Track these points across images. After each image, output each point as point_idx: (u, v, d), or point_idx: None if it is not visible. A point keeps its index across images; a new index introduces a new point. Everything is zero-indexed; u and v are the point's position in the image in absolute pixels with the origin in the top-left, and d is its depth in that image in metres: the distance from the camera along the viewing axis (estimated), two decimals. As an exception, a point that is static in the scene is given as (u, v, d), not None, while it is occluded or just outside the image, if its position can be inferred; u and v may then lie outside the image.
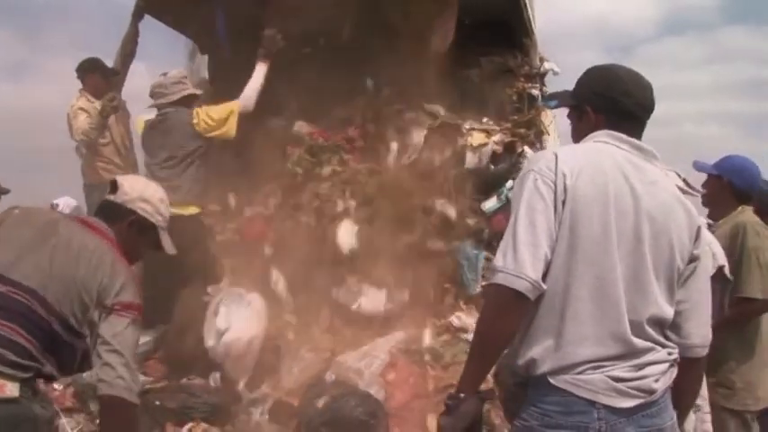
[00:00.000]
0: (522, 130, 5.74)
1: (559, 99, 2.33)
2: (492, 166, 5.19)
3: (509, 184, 5.02)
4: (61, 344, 2.36)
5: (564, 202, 1.92)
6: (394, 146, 5.55)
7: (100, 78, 5.96)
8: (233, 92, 5.18)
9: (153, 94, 4.92)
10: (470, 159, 5.20)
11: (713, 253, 2.91)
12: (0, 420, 2.19)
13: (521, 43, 6.02)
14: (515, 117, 5.82)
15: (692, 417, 2.89)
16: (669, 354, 2.00)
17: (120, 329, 2.37)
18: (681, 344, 2.03)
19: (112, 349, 2.34)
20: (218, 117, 4.81)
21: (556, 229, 1.91)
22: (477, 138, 5.19)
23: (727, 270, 3.07)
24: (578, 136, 2.19)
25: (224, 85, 6.08)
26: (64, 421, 3.53)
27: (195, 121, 4.76)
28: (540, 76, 6.14)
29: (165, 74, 4.99)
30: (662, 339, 1.99)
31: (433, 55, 5.57)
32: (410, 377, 4.27)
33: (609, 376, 1.89)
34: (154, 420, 3.98)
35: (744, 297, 3.55)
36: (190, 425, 4.00)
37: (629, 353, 1.92)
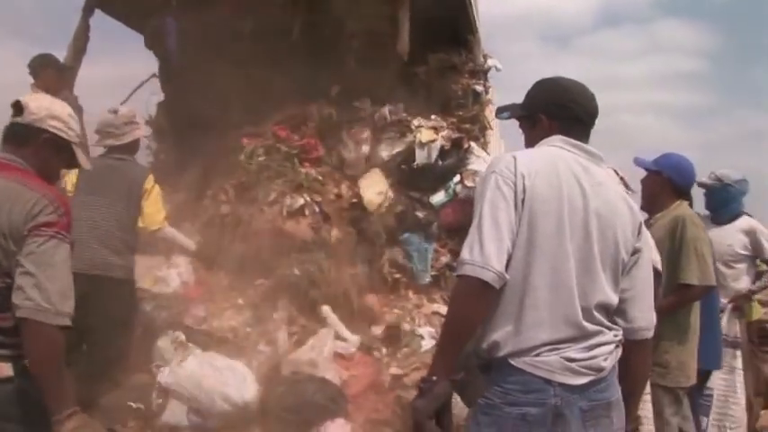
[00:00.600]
0: (467, 126, 6.00)
1: (511, 111, 2.52)
2: (440, 162, 5.39)
3: (456, 178, 5.27)
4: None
5: (523, 201, 2.12)
6: (347, 148, 5.73)
7: (53, 74, 5.88)
8: (182, 98, 5.29)
9: (101, 133, 4.57)
10: (420, 155, 5.41)
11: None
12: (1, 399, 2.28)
13: (465, 40, 6.27)
14: (460, 113, 6.08)
15: None
16: (615, 336, 2.23)
17: (33, 248, 2.29)
18: (628, 328, 2.27)
19: (24, 271, 2.27)
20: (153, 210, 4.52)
21: (516, 226, 2.10)
22: (425, 134, 5.40)
23: (658, 263, 3.29)
24: (533, 142, 2.38)
25: (172, 90, 6.27)
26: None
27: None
28: (483, 73, 6.41)
29: (114, 111, 4.65)
30: (608, 323, 2.22)
31: (383, 54, 5.80)
32: (363, 364, 4.46)
33: (563, 357, 2.11)
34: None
35: (683, 283, 3.85)
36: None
37: (581, 335, 2.13)
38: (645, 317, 2.30)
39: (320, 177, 5.55)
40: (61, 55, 5.96)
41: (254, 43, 5.92)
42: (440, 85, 6.21)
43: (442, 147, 5.37)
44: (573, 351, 2.12)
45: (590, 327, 2.15)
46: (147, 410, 4.16)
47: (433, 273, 5.22)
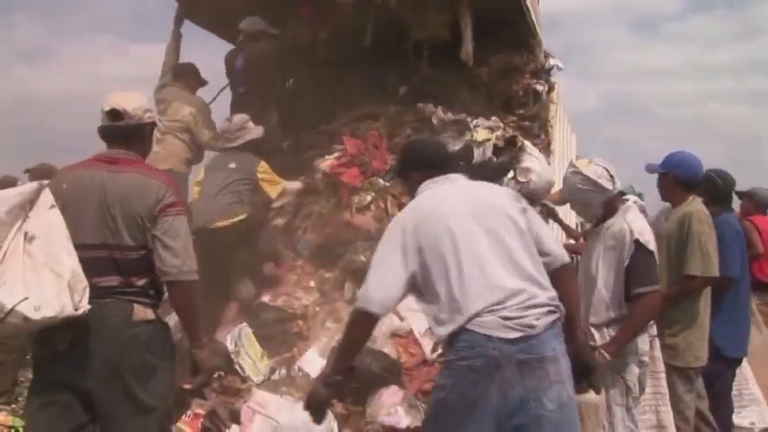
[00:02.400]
0: (527, 123, 6.40)
1: (392, 173, 3.32)
2: (494, 159, 5.79)
3: (510, 174, 5.66)
4: (150, 263, 2.98)
5: (414, 233, 2.77)
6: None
7: (193, 81, 6.67)
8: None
9: (221, 138, 5.81)
10: (476, 153, 5.81)
11: (630, 229, 3.55)
12: (148, 336, 2.97)
13: (527, 42, 6.64)
14: (521, 111, 6.47)
15: (635, 369, 3.55)
16: (549, 299, 2.72)
17: (166, 226, 2.96)
18: (550, 261, 2.89)
19: (163, 245, 2.94)
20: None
21: (414, 255, 2.75)
22: (481, 134, 5.83)
23: (644, 241, 3.56)
24: (412, 191, 3.11)
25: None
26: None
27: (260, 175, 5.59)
28: (545, 72, 6.76)
29: (229, 119, 5.84)
30: (536, 287, 2.72)
31: (447, 58, 6.30)
32: (416, 343, 4.87)
33: (499, 317, 2.61)
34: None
35: (687, 275, 4.18)
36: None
37: (509, 296, 2.64)
38: (545, 249, 2.89)
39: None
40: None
41: (329, 48, 6.49)
42: (501, 85, 6.60)
43: (496, 145, 5.78)
44: (507, 311, 2.62)
45: (516, 289, 2.66)
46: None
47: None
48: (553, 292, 2.75)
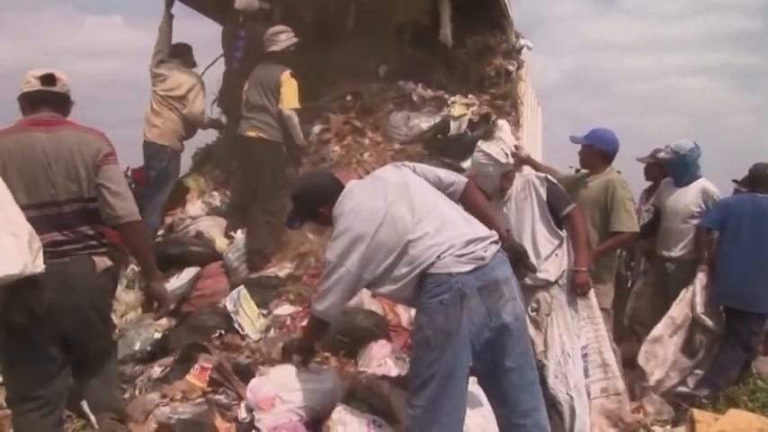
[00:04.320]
0: (499, 102, 6.83)
1: (299, 220, 3.75)
2: (469, 133, 6.31)
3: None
4: (93, 211, 3.28)
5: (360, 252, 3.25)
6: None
7: (189, 60, 7.24)
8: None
9: (267, 42, 6.28)
10: (453, 126, 6.34)
11: (534, 175, 4.49)
12: (107, 282, 3.38)
13: (499, 23, 7.06)
14: (493, 91, 6.89)
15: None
16: (487, 234, 3.28)
17: (109, 174, 3.27)
18: (456, 188, 3.50)
19: (110, 191, 3.25)
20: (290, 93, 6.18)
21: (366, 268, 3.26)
22: (458, 109, 6.31)
23: (550, 178, 4.48)
24: (328, 221, 3.52)
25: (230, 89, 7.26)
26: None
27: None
28: (516, 52, 7.17)
29: (271, 29, 6.35)
30: (470, 227, 3.26)
31: (426, 40, 6.80)
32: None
33: (454, 255, 3.13)
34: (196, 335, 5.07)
35: (614, 231, 4.81)
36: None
37: (454, 239, 3.17)
38: (453, 177, 3.54)
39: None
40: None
41: (313, 30, 6.84)
42: (476, 65, 7.05)
43: (471, 120, 6.27)
44: (459, 249, 3.15)
45: (457, 232, 3.20)
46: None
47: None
48: (485, 229, 3.31)
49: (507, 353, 3.18)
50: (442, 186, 3.49)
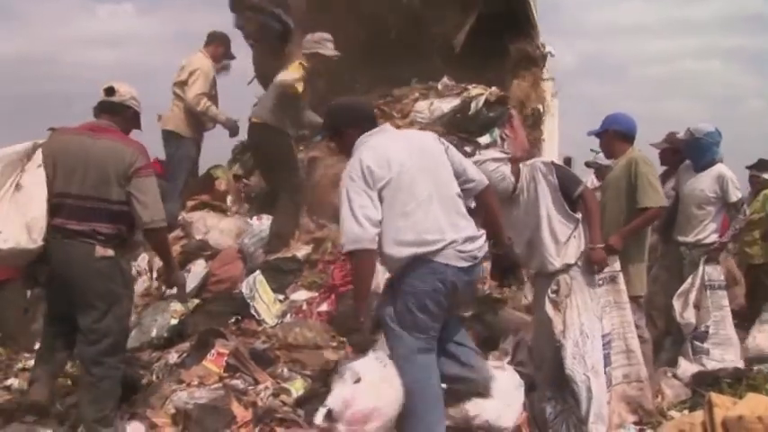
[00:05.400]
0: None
1: (323, 133, 3.99)
2: (486, 111, 6.62)
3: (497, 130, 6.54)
4: (121, 214, 3.76)
5: (374, 178, 3.35)
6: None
7: (221, 51, 7.20)
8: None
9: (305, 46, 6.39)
10: (471, 106, 6.64)
11: (541, 161, 4.55)
12: (109, 269, 3.76)
13: (528, 32, 7.40)
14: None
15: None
16: (479, 233, 3.53)
17: (139, 186, 3.73)
18: (474, 186, 3.67)
19: (138, 200, 3.73)
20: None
21: (376, 192, 3.35)
22: (475, 91, 6.51)
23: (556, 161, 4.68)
24: (347, 148, 3.61)
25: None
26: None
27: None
28: (543, 58, 7.49)
29: (312, 35, 6.36)
30: (469, 222, 3.51)
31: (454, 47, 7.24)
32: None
33: (456, 250, 3.38)
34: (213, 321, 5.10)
35: (641, 207, 4.76)
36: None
37: (459, 232, 3.42)
38: (476, 175, 3.69)
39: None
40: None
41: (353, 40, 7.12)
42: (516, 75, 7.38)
43: (488, 100, 6.59)
44: (461, 245, 3.40)
45: (461, 224, 3.46)
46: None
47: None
48: (475, 228, 3.54)
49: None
50: (461, 178, 3.60)
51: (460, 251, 3.38)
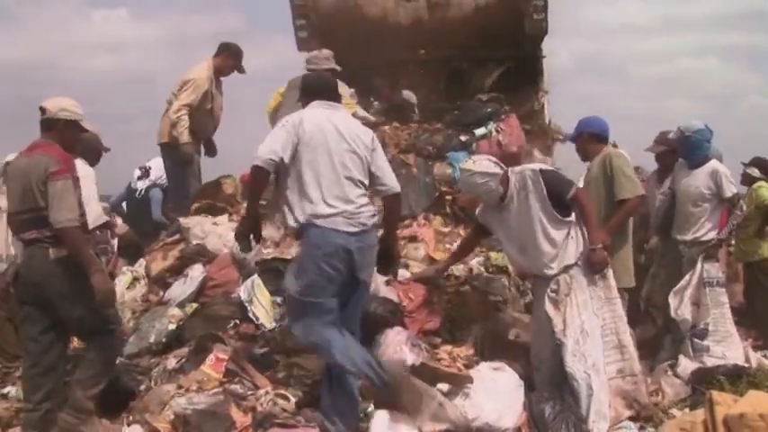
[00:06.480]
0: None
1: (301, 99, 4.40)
2: (481, 106, 7.15)
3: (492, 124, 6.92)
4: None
5: (298, 133, 3.93)
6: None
7: (230, 63, 6.98)
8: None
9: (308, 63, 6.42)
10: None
11: (530, 169, 4.55)
12: (65, 268, 4.01)
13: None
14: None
15: None
16: (371, 210, 4.05)
17: (51, 189, 3.95)
18: (386, 189, 4.17)
19: (49, 204, 3.95)
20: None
21: (293, 141, 3.92)
22: None
23: (544, 168, 4.65)
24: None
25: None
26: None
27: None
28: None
29: (320, 51, 6.51)
30: (365, 198, 4.03)
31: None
32: (416, 287, 5.27)
33: (345, 217, 3.87)
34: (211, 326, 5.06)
35: (620, 199, 4.90)
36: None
37: (350, 202, 3.92)
38: (390, 182, 4.18)
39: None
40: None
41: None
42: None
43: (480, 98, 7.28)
44: (349, 213, 3.90)
45: (353, 197, 3.96)
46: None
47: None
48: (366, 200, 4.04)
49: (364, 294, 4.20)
50: (377, 180, 4.14)
51: (349, 218, 3.88)
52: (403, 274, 5.31)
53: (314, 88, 4.31)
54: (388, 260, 4.39)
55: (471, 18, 7.76)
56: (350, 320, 4.09)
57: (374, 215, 4.06)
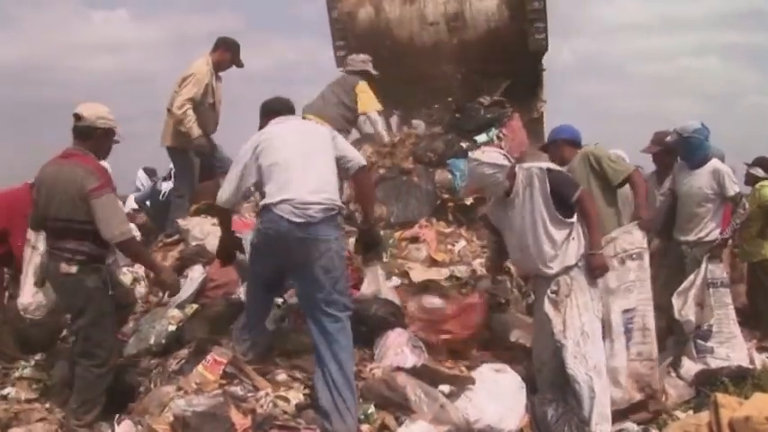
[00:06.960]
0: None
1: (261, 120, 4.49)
2: (483, 112, 7.18)
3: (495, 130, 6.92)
4: (84, 231, 4.16)
5: (257, 149, 4.11)
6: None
7: (228, 57, 6.89)
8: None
9: (349, 63, 7.34)
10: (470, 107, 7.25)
11: (538, 167, 4.49)
12: (72, 285, 4.23)
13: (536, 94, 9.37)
14: None
15: None
16: (330, 201, 4.00)
17: (95, 205, 4.08)
18: (352, 165, 4.31)
19: (98, 220, 4.11)
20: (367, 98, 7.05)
21: (253, 165, 4.11)
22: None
23: (552, 167, 4.58)
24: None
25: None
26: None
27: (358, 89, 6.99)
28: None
29: (359, 54, 7.36)
30: (325, 193, 4.00)
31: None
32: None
33: (292, 206, 3.90)
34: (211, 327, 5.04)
35: (623, 181, 4.92)
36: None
37: (305, 195, 3.94)
38: (354, 156, 4.37)
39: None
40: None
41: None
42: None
43: (482, 103, 7.28)
44: (299, 203, 3.91)
45: (311, 189, 3.97)
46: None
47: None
48: (337, 199, 4.08)
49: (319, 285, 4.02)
50: (343, 159, 4.26)
51: (296, 208, 3.90)
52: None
53: (274, 107, 4.50)
54: (368, 242, 4.56)
55: (484, 38, 8.80)
56: (312, 309, 4.12)
57: (332, 210, 4.03)
